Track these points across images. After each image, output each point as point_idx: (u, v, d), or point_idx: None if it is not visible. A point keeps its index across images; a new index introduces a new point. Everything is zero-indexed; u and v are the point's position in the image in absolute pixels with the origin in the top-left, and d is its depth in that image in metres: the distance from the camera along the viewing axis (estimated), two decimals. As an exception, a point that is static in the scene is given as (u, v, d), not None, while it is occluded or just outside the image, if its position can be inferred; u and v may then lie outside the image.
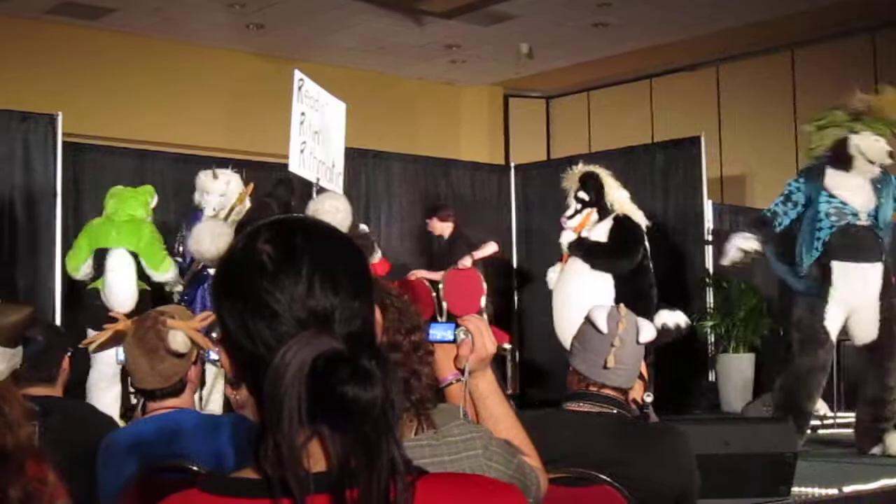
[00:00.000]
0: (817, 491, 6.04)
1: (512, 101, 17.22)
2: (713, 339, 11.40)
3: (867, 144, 8.20)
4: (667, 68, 15.21)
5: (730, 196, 14.00)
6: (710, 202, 12.00)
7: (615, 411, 3.74)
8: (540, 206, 13.36)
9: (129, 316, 4.48)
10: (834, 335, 8.30)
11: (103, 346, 4.18)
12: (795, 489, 5.93)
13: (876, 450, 8.00)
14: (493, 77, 16.74)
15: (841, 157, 8.31)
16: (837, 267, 8.21)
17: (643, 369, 4.13)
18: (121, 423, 4.87)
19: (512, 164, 14.23)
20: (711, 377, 11.64)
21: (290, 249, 1.59)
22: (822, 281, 8.21)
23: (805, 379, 8.17)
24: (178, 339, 3.75)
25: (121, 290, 8.82)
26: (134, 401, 3.99)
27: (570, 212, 9.52)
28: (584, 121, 16.36)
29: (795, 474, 5.89)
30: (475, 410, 2.60)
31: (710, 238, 11.76)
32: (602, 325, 3.76)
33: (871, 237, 8.28)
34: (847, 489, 6.13)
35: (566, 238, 9.51)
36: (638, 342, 3.78)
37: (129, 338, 3.86)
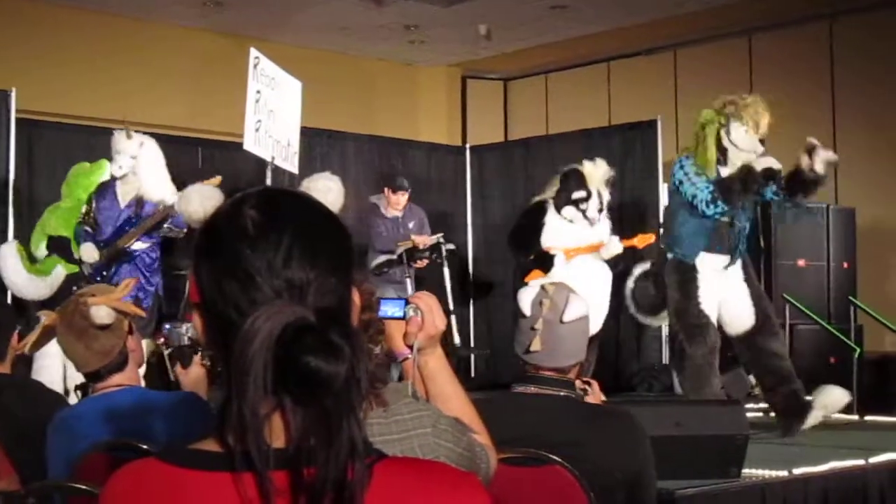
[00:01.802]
0: (767, 473, 6.07)
1: (470, 82, 17.20)
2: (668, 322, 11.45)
3: (737, 135, 8.32)
4: (624, 52, 15.22)
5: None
6: (665, 185, 12.03)
7: (562, 393, 3.74)
8: (495, 186, 13.40)
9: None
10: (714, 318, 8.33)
11: (37, 345, 4.16)
12: (746, 471, 5.96)
13: (809, 423, 8.15)
14: (451, 58, 16.70)
15: (720, 151, 8.44)
16: (706, 259, 8.34)
17: None
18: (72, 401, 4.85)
19: (468, 146, 14.24)
20: (665, 359, 11.69)
21: (275, 218, 1.60)
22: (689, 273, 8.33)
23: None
24: (101, 313, 3.74)
25: (10, 284, 9.06)
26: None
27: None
28: (542, 103, 16.33)
29: (746, 456, 5.92)
30: (425, 388, 2.60)
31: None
32: (525, 308, 3.77)
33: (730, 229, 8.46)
34: (797, 471, 6.17)
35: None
36: (562, 321, 3.75)
37: (59, 327, 3.85)
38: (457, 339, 10.67)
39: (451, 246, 11.05)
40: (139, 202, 8.97)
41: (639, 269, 9.13)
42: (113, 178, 9.04)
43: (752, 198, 8.50)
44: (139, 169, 8.92)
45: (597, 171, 9.76)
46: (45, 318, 4.04)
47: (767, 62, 13.69)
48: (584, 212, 9.63)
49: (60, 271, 9.14)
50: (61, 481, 3.51)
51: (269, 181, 8.94)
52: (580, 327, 3.81)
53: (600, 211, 9.70)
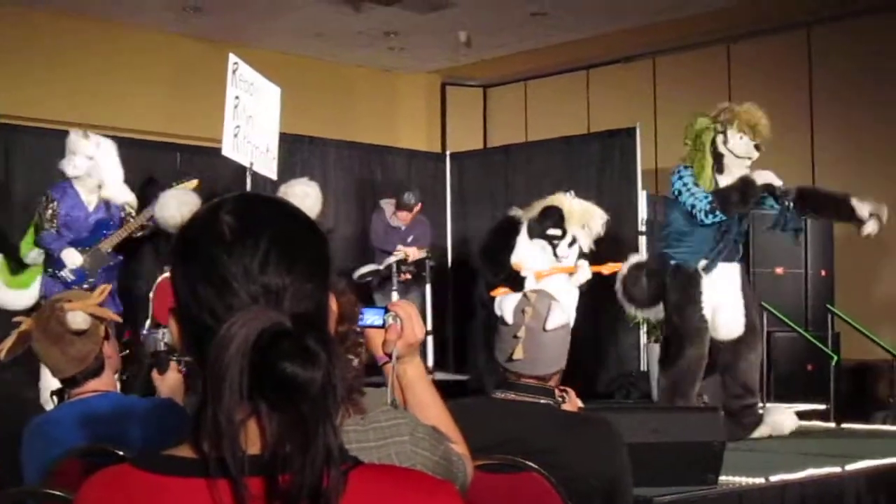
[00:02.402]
0: (744, 480, 6.09)
1: (449, 89, 17.20)
2: (646, 329, 11.45)
3: (733, 142, 8.38)
4: (604, 59, 15.25)
5: (664, 187, 14.03)
6: (644, 193, 12.06)
7: (542, 400, 3.75)
8: (474, 193, 13.40)
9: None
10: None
11: (12, 351, 4.14)
12: (723, 478, 5.97)
13: (753, 435, 8.28)
14: (431, 65, 16.71)
15: (715, 158, 8.50)
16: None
17: None
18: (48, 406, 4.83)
19: (447, 153, 14.24)
20: (643, 367, 11.70)
21: (251, 223, 1.60)
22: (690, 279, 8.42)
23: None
24: (77, 319, 3.74)
25: None
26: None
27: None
28: (521, 110, 16.35)
29: (723, 463, 5.93)
30: (402, 396, 2.60)
31: (643, 228, 11.83)
32: (508, 316, 3.79)
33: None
34: (773, 478, 6.19)
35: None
36: (545, 329, 3.77)
37: (34, 333, 3.84)
38: (430, 362, 10.66)
39: (433, 264, 11.10)
40: (107, 204, 9.01)
41: (632, 260, 9.12)
42: (65, 179, 9.02)
43: (750, 209, 8.59)
44: (100, 170, 8.97)
45: (577, 211, 9.90)
46: (23, 322, 4.03)
47: (746, 68, 13.72)
48: (554, 247, 9.81)
49: (41, 281, 9.12)
50: (36, 487, 3.50)
51: (248, 187, 8.93)
52: (562, 335, 3.83)
53: (570, 246, 9.82)
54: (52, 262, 8.92)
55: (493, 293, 9.71)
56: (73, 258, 8.85)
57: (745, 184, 8.37)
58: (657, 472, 5.52)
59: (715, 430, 5.99)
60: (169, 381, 4.24)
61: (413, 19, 14.24)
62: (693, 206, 8.32)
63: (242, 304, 1.53)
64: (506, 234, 10.00)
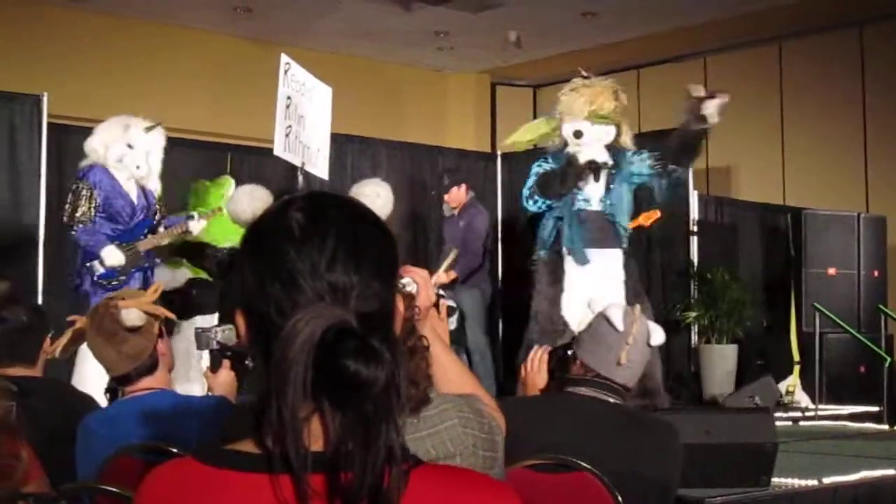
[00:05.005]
0: (797, 482, 6.05)
1: (499, 89, 17.19)
2: (696, 330, 11.41)
3: (565, 132, 8.42)
4: (654, 59, 15.20)
5: (715, 187, 14.00)
6: (695, 193, 12.00)
7: (611, 399, 3.78)
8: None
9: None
10: (574, 325, 8.19)
11: (67, 349, 4.17)
12: (775, 480, 5.93)
13: None
14: (480, 65, 16.71)
15: (561, 146, 8.54)
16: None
17: None
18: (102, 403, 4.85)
19: (498, 152, 14.21)
20: (694, 367, 11.65)
21: (320, 220, 1.61)
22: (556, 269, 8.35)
23: None
24: (131, 316, 3.76)
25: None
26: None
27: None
28: (572, 110, 16.31)
29: (776, 465, 5.89)
30: None
31: (695, 229, 11.78)
32: (619, 323, 3.84)
33: (604, 222, 8.43)
34: (826, 480, 6.14)
35: None
36: (649, 344, 3.89)
37: (89, 331, 3.86)
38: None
39: (451, 303, 10.83)
40: (143, 191, 8.73)
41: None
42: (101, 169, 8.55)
43: (574, 189, 8.49)
44: (154, 160, 8.76)
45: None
46: (78, 321, 4.05)
47: (797, 69, 13.64)
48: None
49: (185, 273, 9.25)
50: (90, 482, 3.52)
51: (300, 187, 8.94)
52: (649, 354, 3.96)
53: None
54: (86, 256, 8.43)
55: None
56: (115, 257, 8.37)
57: (566, 164, 8.33)
58: (709, 474, 5.49)
59: (767, 432, 5.94)
60: (221, 380, 4.25)
61: (463, 19, 14.25)
62: (520, 195, 8.33)
63: (308, 301, 1.54)
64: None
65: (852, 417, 9.10)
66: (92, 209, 8.39)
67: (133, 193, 8.65)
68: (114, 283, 8.27)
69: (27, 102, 9.86)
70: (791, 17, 13.70)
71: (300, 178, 8.92)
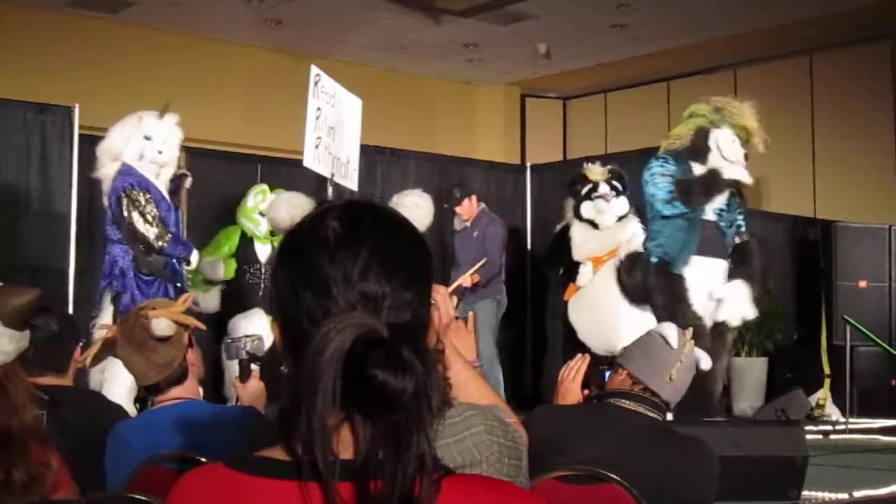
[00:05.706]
0: (827, 495, 6.03)
1: (528, 101, 17.20)
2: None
3: (725, 141, 8.28)
4: (684, 71, 15.18)
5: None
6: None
7: (651, 414, 3.79)
8: (555, 206, 13.34)
9: None
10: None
11: (97, 359, 4.18)
12: (806, 493, 5.91)
13: None
14: (510, 77, 16.73)
15: (699, 149, 8.37)
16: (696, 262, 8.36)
17: None
18: (132, 413, 4.87)
19: (528, 164, 14.20)
20: (724, 380, 11.60)
21: (356, 230, 1.61)
22: None
23: None
24: (161, 325, 3.76)
25: None
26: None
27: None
28: (601, 122, 16.33)
29: (806, 478, 5.87)
30: None
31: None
32: (674, 340, 3.89)
33: (717, 234, 8.38)
34: (857, 494, 6.12)
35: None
36: (699, 368, 3.98)
37: (119, 340, 3.87)
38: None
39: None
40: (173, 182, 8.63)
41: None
42: (126, 167, 8.43)
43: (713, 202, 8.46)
44: (170, 149, 8.65)
45: (596, 168, 9.91)
46: (108, 330, 4.06)
47: (828, 81, 13.59)
48: (596, 197, 9.65)
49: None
50: (119, 491, 3.52)
51: (329, 198, 8.93)
52: (691, 378, 3.98)
53: (612, 190, 9.64)
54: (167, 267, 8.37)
55: (566, 296, 9.66)
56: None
57: (711, 175, 8.25)
58: (740, 487, 5.48)
59: (798, 445, 5.93)
60: (250, 389, 4.25)
61: (492, 31, 14.26)
62: (653, 196, 8.23)
63: (340, 311, 1.53)
64: (560, 237, 10.06)
65: (883, 431, 9.04)
66: (157, 218, 8.23)
67: (161, 187, 8.53)
68: (152, 290, 8.15)
69: (59, 113, 9.92)
70: (821, 30, 13.66)
71: (329, 189, 8.93)
